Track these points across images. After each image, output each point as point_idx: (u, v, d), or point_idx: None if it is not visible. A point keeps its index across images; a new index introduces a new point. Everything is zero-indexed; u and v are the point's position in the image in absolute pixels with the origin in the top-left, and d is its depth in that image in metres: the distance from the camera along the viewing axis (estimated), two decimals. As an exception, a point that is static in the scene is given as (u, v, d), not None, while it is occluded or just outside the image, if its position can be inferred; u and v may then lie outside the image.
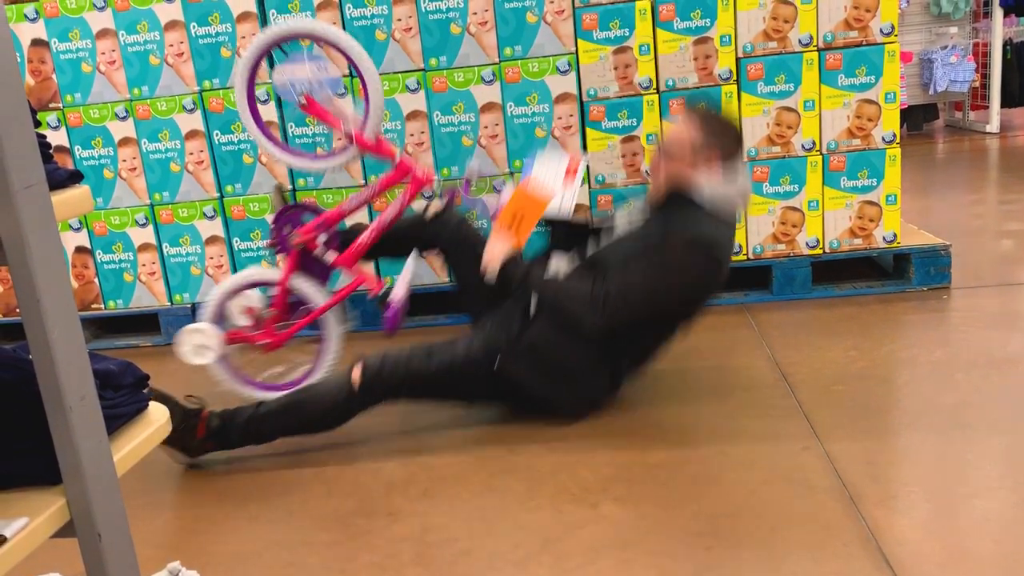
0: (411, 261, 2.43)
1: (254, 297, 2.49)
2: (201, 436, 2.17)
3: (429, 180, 2.44)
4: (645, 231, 2.24)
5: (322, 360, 2.55)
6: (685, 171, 2.22)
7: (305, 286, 2.47)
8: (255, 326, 2.49)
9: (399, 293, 2.33)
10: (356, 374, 2.19)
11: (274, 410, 2.21)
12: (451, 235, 2.54)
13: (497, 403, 2.35)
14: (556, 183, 2.32)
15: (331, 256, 2.46)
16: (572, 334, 2.19)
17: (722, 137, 2.25)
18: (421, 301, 3.08)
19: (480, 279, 2.30)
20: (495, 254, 2.23)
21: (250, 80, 2.43)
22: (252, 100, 2.46)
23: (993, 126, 6.67)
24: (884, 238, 3.05)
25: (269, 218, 2.54)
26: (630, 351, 2.27)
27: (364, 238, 2.47)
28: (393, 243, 2.56)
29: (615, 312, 2.11)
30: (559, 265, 2.29)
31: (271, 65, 2.96)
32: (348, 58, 2.40)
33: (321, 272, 2.51)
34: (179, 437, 2.15)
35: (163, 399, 2.10)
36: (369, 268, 3.10)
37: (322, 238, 2.46)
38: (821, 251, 3.08)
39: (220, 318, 2.50)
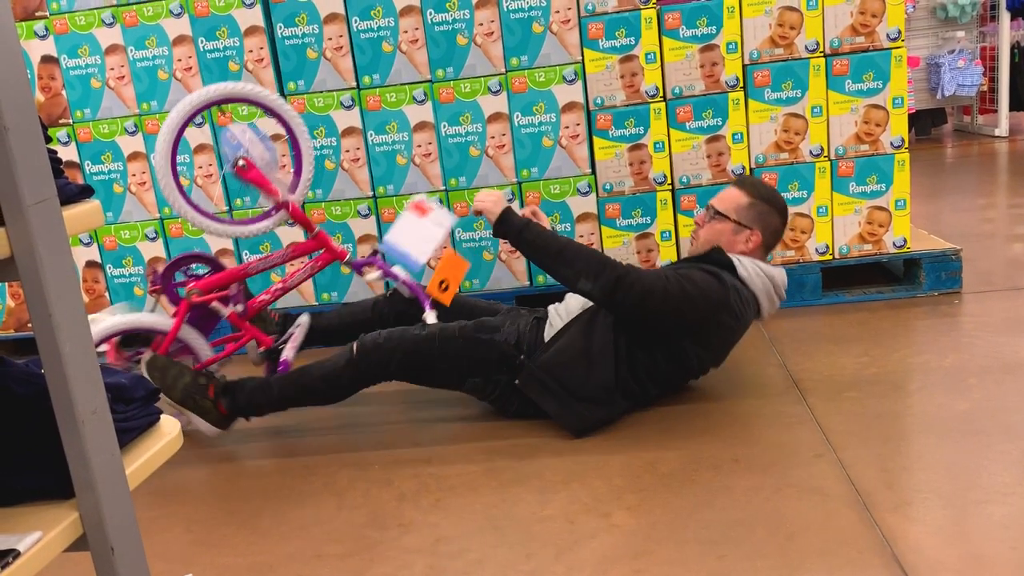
0: (303, 321, 2.54)
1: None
2: (212, 396, 2.30)
3: (343, 254, 2.47)
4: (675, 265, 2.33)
5: None
6: (727, 241, 2.35)
7: (194, 338, 2.44)
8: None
9: (289, 354, 2.44)
10: (355, 344, 2.31)
11: (281, 376, 2.36)
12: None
13: (486, 403, 2.40)
14: (424, 236, 2.38)
15: (225, 311, 2.43)
16: (590, 358, 2.21)
17: (769, 218, 2.37)
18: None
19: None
20: (488, 205, 2.29)
21: (176, 142, 2.31)
22: (175, 163, 2.33)
23: (1002, 130, 6.66)
24: (894, 243, 3.04)
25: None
26: (644, 378, 2.27)
27: (265, 296, 2.48)
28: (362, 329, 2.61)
29: (625, 294, 2.13)
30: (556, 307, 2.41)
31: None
32: (283, 123, 2.40)
33: (208, 323, 2.48)
34: (192, 398, 2.26)
35: (171, 365, 2.27)
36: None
37: (233, 289, 2.45)
38: (831, 257, 3.07)
39: None
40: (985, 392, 2.21)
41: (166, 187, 2.28)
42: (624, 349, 2.22)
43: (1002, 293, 2.96)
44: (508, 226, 2.26)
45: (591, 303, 2.28)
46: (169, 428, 1.20)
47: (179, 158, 3.15)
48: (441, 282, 2.30)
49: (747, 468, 1.96)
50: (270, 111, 2.42)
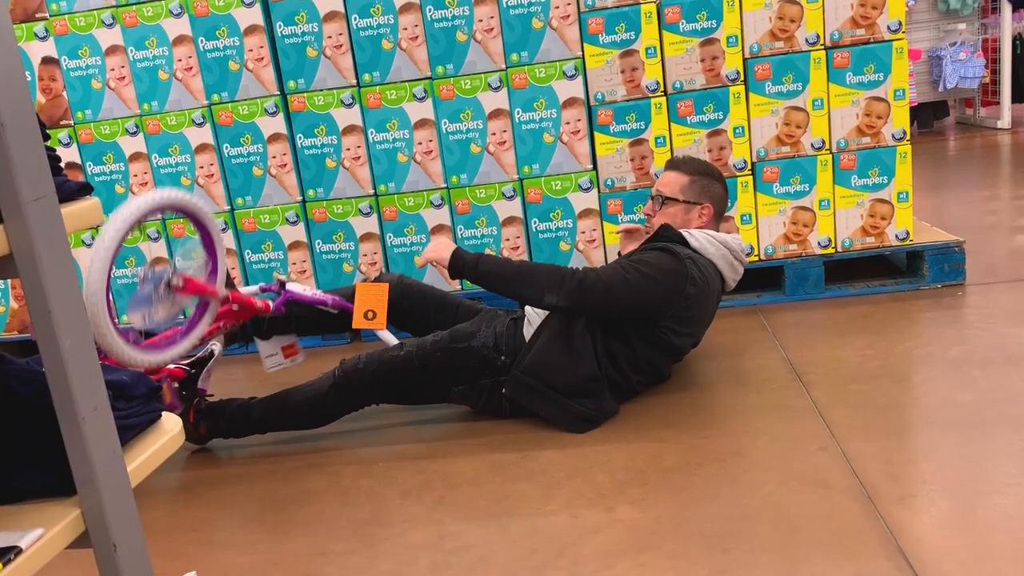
0: (216, 349, 2.41)
1: None
2: (192, 420, 2.33)
3: (267, 309, 2.37)
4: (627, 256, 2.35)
5: None
6: (682, 221, 2.44)
7: None
8: None
9: (204, 383, 2.38)
10: (337, 370, 2.34)
11: (263, 399, 2.35)
12: (399, 289, 2.55)
13: (470, 406, 2.40)
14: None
15: None
16: (571, 353, 2.21)
17: (713, 188, 2.47)
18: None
19: (437, 320, 2.51)
20: (439, 251, 2.26)
21: (112, 261, 1.95)
22: (109, 291, 1.95)
23: (1004, 122, 6.64)
24: (897, 236, 3.03)
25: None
26: (625, 368, 2.28)
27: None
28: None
29: (590, 296, 2.15)
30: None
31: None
32: (197, 222, 2.17)
33: None
34: None
35: None
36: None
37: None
38: (833, 250, 3.06)
39: None
40: (990, 384, 2.20)
41: (102, 319, 1.83)
42: (601, 342, 2.24)
43: (1006, 284, 2.95)
44: (463, 264, 2.23)
45: None
46: (171, 425, 1.20)
47: (182, 158, 3.16)
48: (366, 313, 2.33)
49: (751, 462, 1.95)
50: (183, 211, 2.12)
